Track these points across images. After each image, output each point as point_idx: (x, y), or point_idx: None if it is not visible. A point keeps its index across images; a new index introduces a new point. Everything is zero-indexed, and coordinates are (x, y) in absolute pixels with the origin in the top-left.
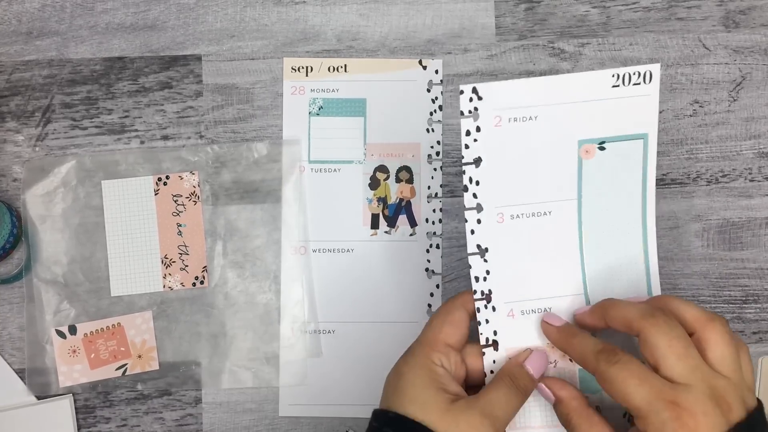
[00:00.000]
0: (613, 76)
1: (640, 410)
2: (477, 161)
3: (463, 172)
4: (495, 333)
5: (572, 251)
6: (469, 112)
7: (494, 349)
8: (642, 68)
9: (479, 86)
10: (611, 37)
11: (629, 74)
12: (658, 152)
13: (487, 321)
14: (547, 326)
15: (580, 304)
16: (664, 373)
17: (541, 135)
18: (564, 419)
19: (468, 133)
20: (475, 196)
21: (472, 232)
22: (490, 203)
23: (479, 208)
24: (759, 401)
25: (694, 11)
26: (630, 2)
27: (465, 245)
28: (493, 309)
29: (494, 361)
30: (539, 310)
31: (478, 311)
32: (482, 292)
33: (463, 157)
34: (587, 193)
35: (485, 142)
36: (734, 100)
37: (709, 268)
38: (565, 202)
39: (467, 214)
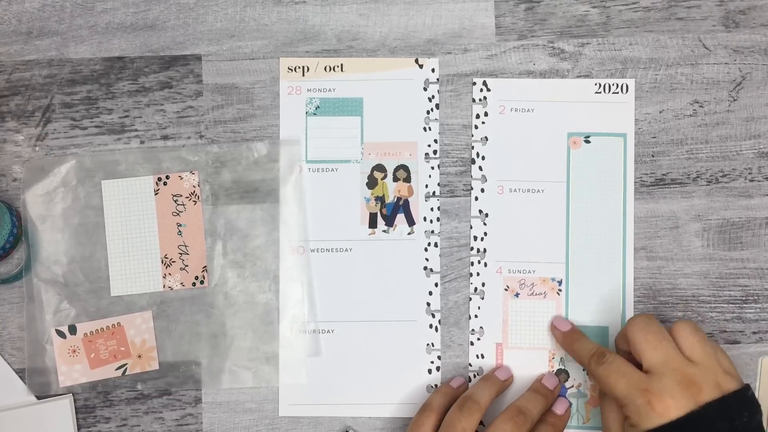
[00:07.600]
0: (595, 84)
1: (621, 399)
2: (484, 139)
3: (472, 148)
4: (483, 284)
5: (559, 225)
6: (479, 100)
7: (480, 298)
8: (620, 81)
9: (488, 80)
10: (611, 37)
11: (609, 84)
12: (658, 152)
13: (478, 273)
14: (554, 329)
15: (561, 271)
16: (644, 364)
17: (536, 125)
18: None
19: (477, 116)
20: (480, 168)
21: (476, 198)
22: (493, 176)
23: (483, 179)
24: (743, 384)
25: (694, 11)
26: (630, 2)
27: (464, 245)
28: (485, 265)
29: (479, 308)
30: (524, 271)
31: (472, 264)
32: (478, 250)
33: (472, 135)
34: (575, 178)
35: (491, 125)
36: (734, 100)
37: (709, 268)
38: (556, 183)
39: (473, 183)
